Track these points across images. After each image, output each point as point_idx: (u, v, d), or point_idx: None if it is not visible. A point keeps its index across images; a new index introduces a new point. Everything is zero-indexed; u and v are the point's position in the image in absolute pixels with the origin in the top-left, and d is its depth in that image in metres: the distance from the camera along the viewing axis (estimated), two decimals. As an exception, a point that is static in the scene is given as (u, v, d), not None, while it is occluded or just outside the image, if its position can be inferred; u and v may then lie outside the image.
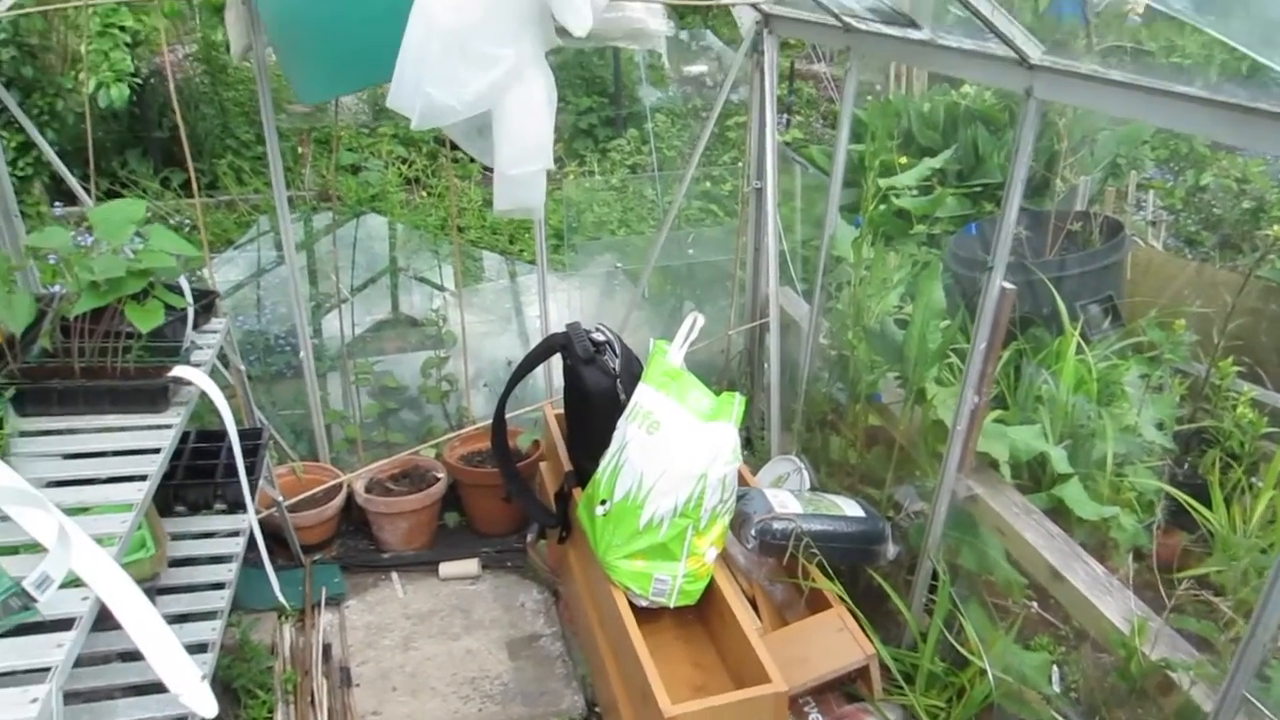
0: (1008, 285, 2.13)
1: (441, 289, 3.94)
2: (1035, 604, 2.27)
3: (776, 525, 2.42)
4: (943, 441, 2.41)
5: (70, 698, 1.40)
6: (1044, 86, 1.91)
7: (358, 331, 3.69)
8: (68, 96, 4.50)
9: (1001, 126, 4.56)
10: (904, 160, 4.16)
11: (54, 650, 1.38)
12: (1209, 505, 2.22)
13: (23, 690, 1.31)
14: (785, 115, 6.62)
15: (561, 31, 2.45)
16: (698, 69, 6.80)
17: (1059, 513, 2.34)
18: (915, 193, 4.12)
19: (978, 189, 4.35)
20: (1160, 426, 2.60)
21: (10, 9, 2.65)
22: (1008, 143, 4.29)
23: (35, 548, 1.56)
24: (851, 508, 2.62)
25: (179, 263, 2.13)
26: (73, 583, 1.49)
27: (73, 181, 3.03)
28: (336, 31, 2.54)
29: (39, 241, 1.88)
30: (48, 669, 1.36)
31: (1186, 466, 2.75)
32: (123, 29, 3.92)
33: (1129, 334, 3.10)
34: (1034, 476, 2.56)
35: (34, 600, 1.41)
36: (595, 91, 6.53)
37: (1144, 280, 3.57)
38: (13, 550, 1.58)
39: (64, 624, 1.44)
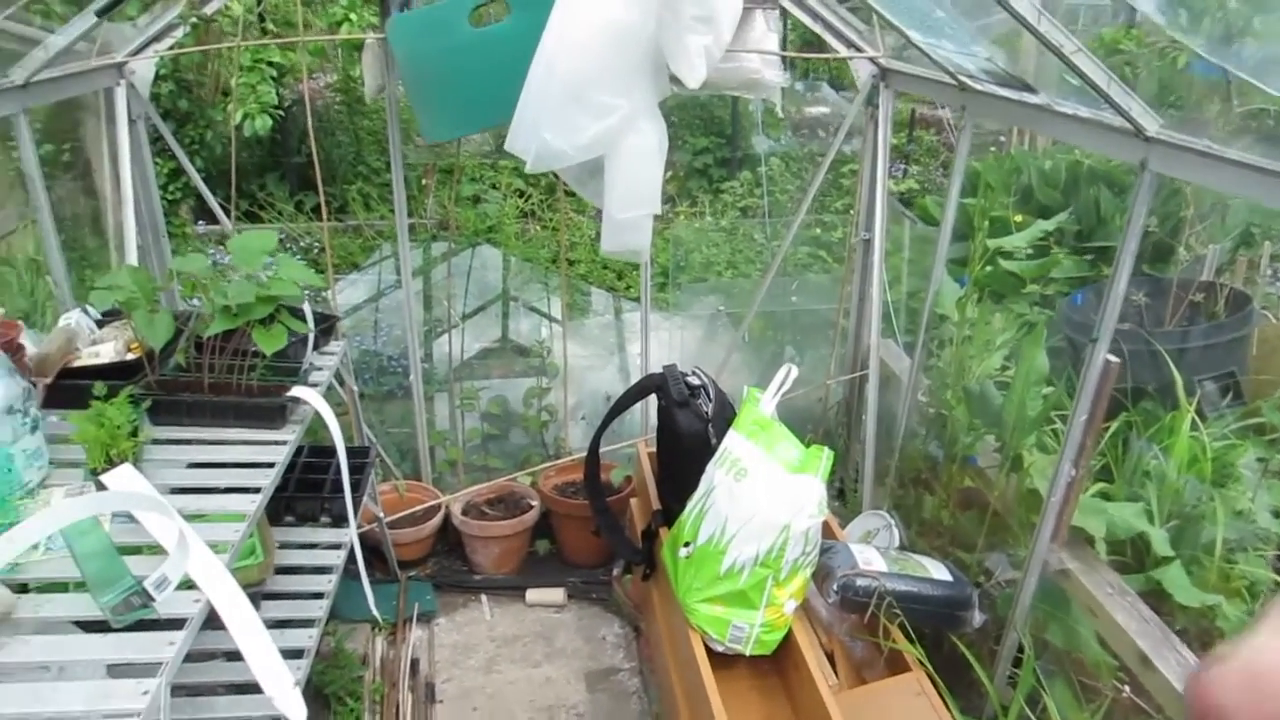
0: (1112, 358, 2.08)
1: (550, 319, 4.06)
2: (1128, 688, 2.18)
3: (860, 582, 2.40)
4: (1036, 511, 2.36)
5: (176, 690, 1.50)
6: (1159, 160, 1.87)
7: (466, 356, 3.84)
8: (216, 127, 4.83)
9: (1125, 188, 4.43)
10: (1019, 219, 4.08)
11: (166, 648, 1.49)
12: (1325, 602, 2.10)
13: (136, 683, 1.43)
14: (902, 164, 6.56)
15: (675, 80, 2.53)
16: (816, 111, 6.82)
17: (1158, 595, 2.25)
18: (1030, 251, 4.03)
19: (1091, 254, 4.22)
20: (1277, 514, 2.47)
21: (171, 48, 2.89)
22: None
23: (155, 549, 1.70)
24: (939, 570, 2.57)
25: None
26: (186, 585, 1.62)
27: (215, 205, 3.27)
28: (463, 76, 2.68)
29: (182, 266, 2.05)
30: (159, 664, 1.47)
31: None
32: (270, 64, 4.20)
33: (1250, 414, 2.96)
34: (1136, 555, 2.47)
35: (152, 599, 1.53)
36: (712, 132, 6.62)
37: (1272, 357, 3.40)
38: (136, 550, 1.72)
39: (176, 623, 1.56)
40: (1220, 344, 3.26)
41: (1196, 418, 2.65)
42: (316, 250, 4.68)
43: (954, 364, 2.88)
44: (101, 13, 2.37)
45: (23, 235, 3.74)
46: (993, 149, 6.02)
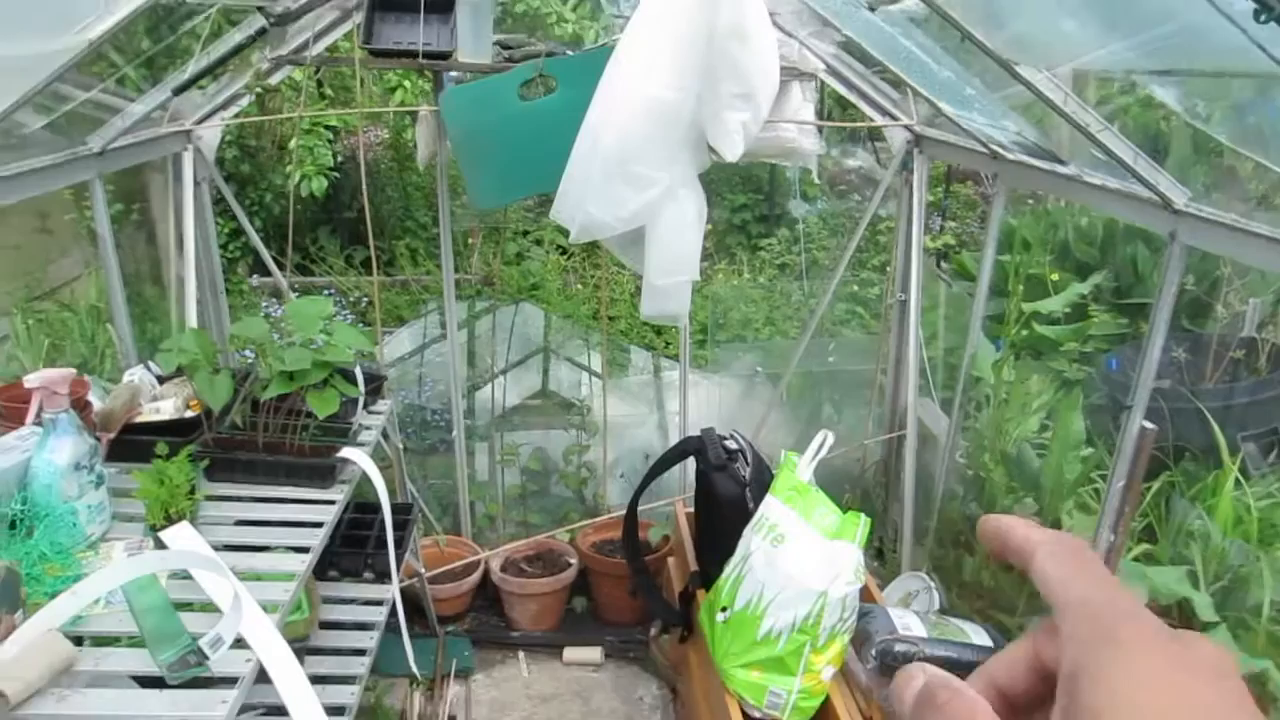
0: (1148, 425, 2.09)
1: (591, 372, 4.12)
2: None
3: (898, 647, 2.40)
4: (1076, 578, 2.35)
5: (221, 744, 1.55)
6: (1188, 232, 1.90)
7: (507, 408, 3.90)
8: (275, 189, 5.02)
9: (1163, 245, 4.42)
10: (1056, 276, 4.10)
11: (219, 706, 1.54)
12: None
13: (190, 740, 1.48)
14: (939, 219, 6.59)
15: (714, 152, 2.61)
16: (853, 164, 6.89)
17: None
18: (1068, 310, 4.03)
19: (1128, 314, 4.20)
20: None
21: (236, 116, 3.04)
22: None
23: (206, 606, 1.76)
24: (979, 635, 2.56)
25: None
26: (238, 643, 1.67)
27: (270, 263, 3.40)
28: (511, 146, 2.78)
29: (242, 331, 2.15)
30: (212, 722, 1.52)
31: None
32: (328, 128, 4.37)
33: (1295, 474, 2.92)
34: (1182, 619, 2.44)
35: (207, 658, 1.59)
36: (751, 189, 6.71)
37: (1317, 417, 3.36)
38: (188, 606, 1.79)
39: (228, 681, 1.60)
40: (1263, 401, 3.23)
41: (1240, 477, 2.64)
42: (365, 304, 4.81)
43: (991, 426, 2.90)
44: (178, 90, 2.52)
45: (85, 282, 3.90)
46: (1029, 201, 6.03)
